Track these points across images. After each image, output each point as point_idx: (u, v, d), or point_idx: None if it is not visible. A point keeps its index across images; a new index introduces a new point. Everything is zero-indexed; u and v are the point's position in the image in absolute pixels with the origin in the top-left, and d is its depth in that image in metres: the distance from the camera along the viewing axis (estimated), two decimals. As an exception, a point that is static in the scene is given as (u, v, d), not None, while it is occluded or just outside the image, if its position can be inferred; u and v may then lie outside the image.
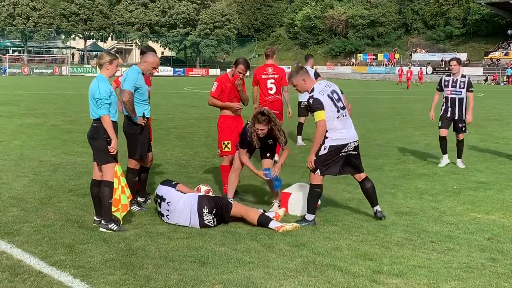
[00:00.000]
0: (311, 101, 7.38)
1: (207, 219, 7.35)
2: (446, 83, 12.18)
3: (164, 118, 21.27)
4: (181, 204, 7.46)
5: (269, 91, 11.66)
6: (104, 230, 7.05)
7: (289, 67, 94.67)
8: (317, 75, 15.03)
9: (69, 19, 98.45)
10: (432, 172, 11.47)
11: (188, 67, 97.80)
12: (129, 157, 8.19)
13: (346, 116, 7.59)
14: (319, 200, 8.13)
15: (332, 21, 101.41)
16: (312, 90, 7.47)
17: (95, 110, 7.05)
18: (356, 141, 7.67)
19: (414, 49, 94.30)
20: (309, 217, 7.55)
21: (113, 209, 7.12)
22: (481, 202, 8.99)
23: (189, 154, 13.30)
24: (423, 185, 10.28)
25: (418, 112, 25.51)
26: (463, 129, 12.17)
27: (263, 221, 7.40)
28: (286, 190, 8.36)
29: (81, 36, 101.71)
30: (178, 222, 7.44)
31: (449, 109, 12.11)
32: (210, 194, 8.08)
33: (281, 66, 12.54)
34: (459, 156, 12.31)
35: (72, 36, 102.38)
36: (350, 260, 6.15)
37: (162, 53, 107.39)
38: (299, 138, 15.36)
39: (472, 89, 12.01)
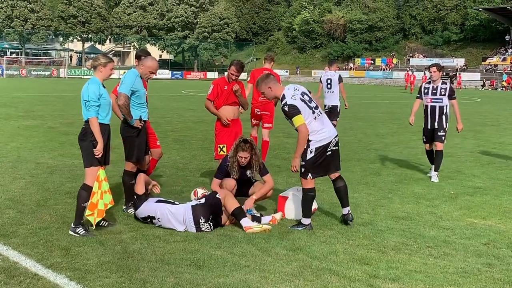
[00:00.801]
0: (286, 108, 7.31)
1: (205, 227, 7.32)
2: (426, 91, 11.35)
3: (162, 121, 21.26)
4: (173, 218, 7.34)
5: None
6: (72, 233, 6.99)
7: (286, 71, 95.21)
8: (340, 79, 15.44)
9: (67, 21, 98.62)
10: (429, 177, 11.47)
11: (186, 70, 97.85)
12: (126, 160, 8.18)
13: (321, 113, 7.58)
14: (316, 204, 8.16)
15: (330, 25, 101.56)
16: (283, 97, 7.41)
17: (85, 112, 7.01)
18: (336, 136, 7.63)
19: (411, 54, 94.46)
20: (305, 221, 7.54)
21: (88, 212, 7.00)
22: (477, 207, 9.00)
23: (187, 157, 13.30)
24: (420, 190, 10.28)
25: (416, 117, 25.52)
26: (443, 138, 11.27)
27: (237, 214, 7.41)
28: (282, 194, 8.35)
29: (79, 38, 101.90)
30: (175, 229, 7.39)
31: (429, 119, 11.37)
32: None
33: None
34: (435, 169, 11.29)
35: (70, 39, 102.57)
36: (347, 265, 6.15)
37: (160, 56, 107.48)
38: None
39: (455, 96, 11.26)
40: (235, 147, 8.10)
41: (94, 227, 7.09)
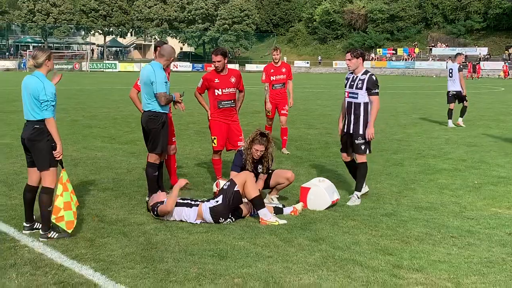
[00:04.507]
0: None
1: (226, 222, 7.33)
2: (345, 82, 8.77)
3: (183, 113, 21.23)
4: (194, 220, 7.34)
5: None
6: (45, 239, 6.55)
7: (307, 62, 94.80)
8: (460, 69, 18.51)
9: (89, 15, 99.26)
10: (453, 167, 11.38)
11: (207, 62, 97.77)
12: (149, 152, 8.18)
13: None
14: (338, 194, 8.22)
15: (351, 15, 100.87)
16: None
17: (37, 111, 6.56)
18: None
19: (434, 44, 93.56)
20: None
21: (53, 217, 6.59)
22: (502, 197, 8.92)
23: (208, 149, 13.29)
24: (444, 180, 10.21)
25: (439, 107, 25.32)
26: (363, 148, 8.50)
27: (256, 203, 7.38)
28: (305, 185, 8.33)
29: (101, 32, 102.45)
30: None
31: (346, 119, 8.69)
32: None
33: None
34: (357, 188, 8.59)
35: (91, 32, 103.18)
36: (370, 255, 6.14)
37: (181, 48, 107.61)
38: (450, 121, 18.33)
39: (375, 91, 8.38)
40: (251, 139, 8.07)
41: (69, 231, 6.63)
